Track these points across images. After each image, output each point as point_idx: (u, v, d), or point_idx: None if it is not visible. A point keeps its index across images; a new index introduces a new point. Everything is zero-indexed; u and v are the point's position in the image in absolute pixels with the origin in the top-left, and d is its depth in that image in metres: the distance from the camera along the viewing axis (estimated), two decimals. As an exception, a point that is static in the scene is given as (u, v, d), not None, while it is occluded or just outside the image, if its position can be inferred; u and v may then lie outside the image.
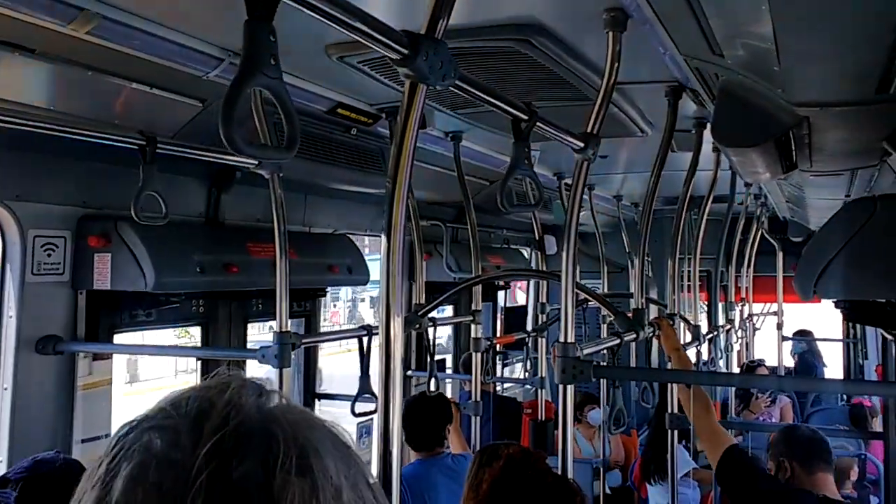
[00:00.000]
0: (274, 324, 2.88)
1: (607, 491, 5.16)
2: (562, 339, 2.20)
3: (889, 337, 3.75)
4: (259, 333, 4.48)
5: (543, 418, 5.11)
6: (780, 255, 7.68)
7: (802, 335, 8.62)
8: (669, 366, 3.37)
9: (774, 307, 8.27)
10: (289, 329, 2.82)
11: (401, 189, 1.39)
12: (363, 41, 1.17)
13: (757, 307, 8.55)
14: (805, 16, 1.52)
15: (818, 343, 8.84)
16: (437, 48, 1.28)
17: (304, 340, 2.99)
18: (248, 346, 4.03)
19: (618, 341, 2.71)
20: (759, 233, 7.03)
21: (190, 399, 0.65)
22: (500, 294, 7.52)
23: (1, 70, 2.33)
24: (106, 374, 3.24)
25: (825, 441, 3.28)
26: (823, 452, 3.24)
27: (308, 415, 0.68)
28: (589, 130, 2.22)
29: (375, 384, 2.93)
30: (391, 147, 1.38)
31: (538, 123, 1.90)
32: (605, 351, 2.77)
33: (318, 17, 1.06)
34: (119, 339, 3.32)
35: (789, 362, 8.48)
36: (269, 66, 0.94)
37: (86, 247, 3.03)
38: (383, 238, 1.38)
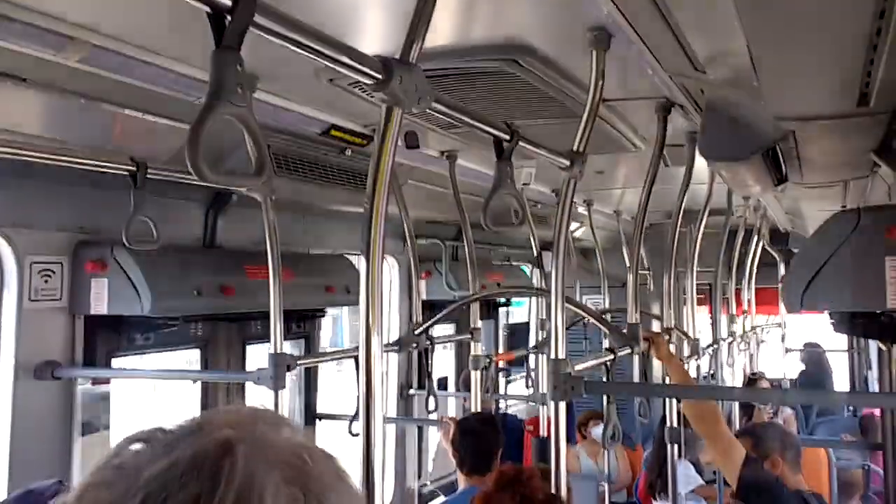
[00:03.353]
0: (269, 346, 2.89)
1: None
2: (552, 356, 2.21)
3: (884, 347, 3.74)
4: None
5: (546, 435, 5.09)
6: (781, 267, 7.66)
7: (811, 346, 8.56)
8: (668, 380, 3.37)
9: (778, 318, 8.25)
10: (283, 351, 2.82)
11: (378, 209, 1.41)
12: (336, 68, 1.19)
13: (760, 319, 8.52)
14: (778, 32, 1.54)
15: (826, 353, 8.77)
16: (410, 72, 1.30)
17: (299, 362, 3.00)
18: (249, 367, 4.05)
19: (612, 357, 2.71)
20: (760, 244, 7.02)
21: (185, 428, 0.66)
22: (502, 311, 7.52)
23: (-7, 100, 2.36)
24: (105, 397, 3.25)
25: (800, 445, 3.38)
26: (800, 456, 3.33)
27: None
28: (576, 148, 2.23)
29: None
30: (369, 168, 1.40)
31: (523, 143, 1.92)
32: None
33: (289, 46, 1.08)
34: (117, 363, 3.34)
35: (795, 374, 8.43)
36: (235, 95, 0.96)
37: (82, 272, 3.06)
38: (362, 260, 1.40)
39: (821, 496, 3.17)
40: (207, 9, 0.93)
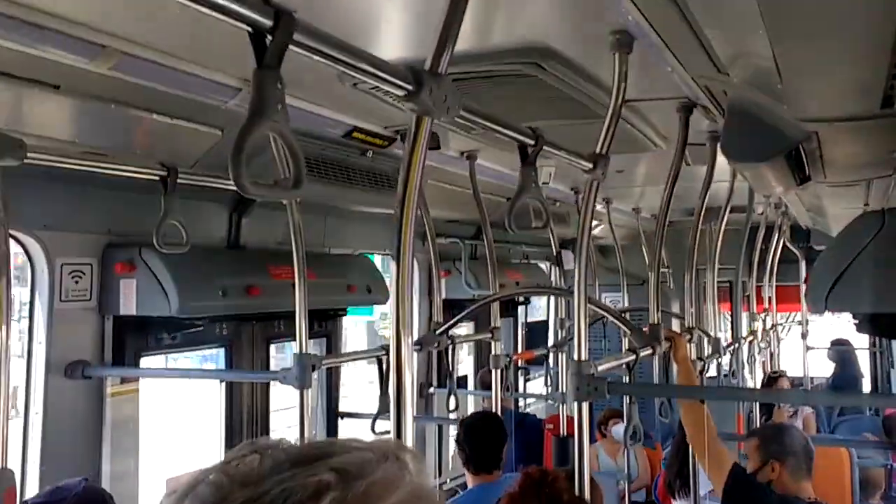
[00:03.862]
0: (294, 345, 2.93)
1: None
2: (575, 357, 2.23)
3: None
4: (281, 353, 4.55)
5: (566, 434, 5.11)
6: (802, 264, 7.62)
7: (839, 344, 8.44)
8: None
9: (799, 316, 8.19)
10: (308, 350, 2.86)
11: (409, 214, 1.44)
12: (367, 80, 1.22)
13: (781, 317, 8.46)
14: (802, 34, 1.55)
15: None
16: (440, 82, 1.32)
17: (324, 362, 3.04)
18: (272, 365, 4.10)
19: (633, 357, 2.72)
20: (781, 242, 6.99)
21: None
22: (521, 309, 7.53)
23: (27, 106, 2.42)
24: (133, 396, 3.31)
25: (812, 449, 3.25)
26: (809, 462, 3.22)
27: None
28: (598, 151, 2.25)
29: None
30: (399, 175, 1.43)
31: (546, 147, 1.94)
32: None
33: (324, 61, 1.11)
34: (145, 363, 3.40)
35: (817, 371, 8.35)
36: (276, 113, 0.99)
37: (112, 273, 3.12)
38: (392, 263, 1.42)
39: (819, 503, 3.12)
40: (249, 29, 0.96)
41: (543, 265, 7.27)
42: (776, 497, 3.08)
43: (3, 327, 1.84)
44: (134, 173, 2.53)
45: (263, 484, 0.60)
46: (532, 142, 1.85)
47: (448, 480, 5.63)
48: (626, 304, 6.42)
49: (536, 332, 7.64)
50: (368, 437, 3.47)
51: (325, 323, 4.42)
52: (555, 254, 5.16)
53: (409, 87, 1.28)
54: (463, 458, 3.53)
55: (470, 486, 3.57)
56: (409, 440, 1.45)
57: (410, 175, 1.38)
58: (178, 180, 2.58)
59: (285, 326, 3.95)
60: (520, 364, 6.55)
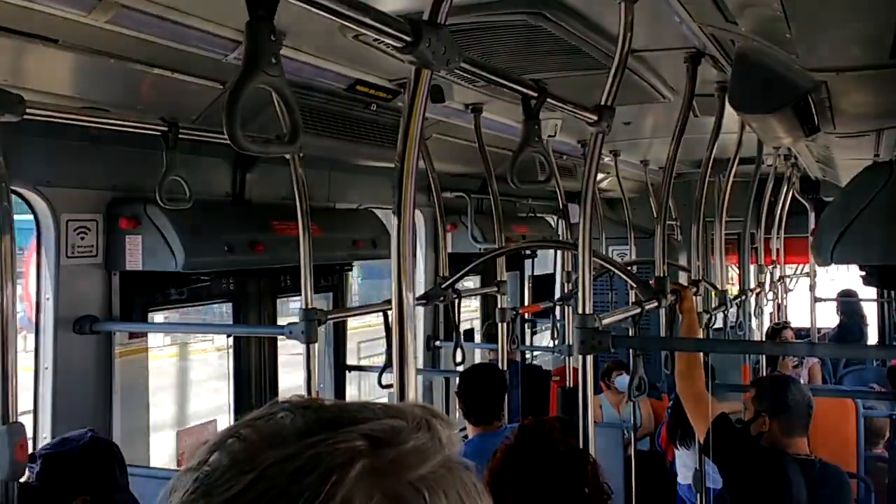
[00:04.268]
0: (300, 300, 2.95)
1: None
2: (579, 311, 2.23)
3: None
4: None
5: (571, 385, 5.15)
6: (811, 216, 7.56)
7: (847, 296, 8.42)
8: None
9: (807, 268, 8.17)
10: (314, 305, 2.88)
11: (410, 168, 1.42)
12: (365, 31, 1.20)
13: (790, 269, 8.44)
14: (812, -17, 1.51)
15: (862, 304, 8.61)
16: (439, 34, 1.30)
17: (329, 316, 3.05)
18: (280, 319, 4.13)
19: (639, 310, 2.72)
20: (790, 193, 6.92)
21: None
22: (527, 262, 7.53)
23: (26, 61, 2.39)
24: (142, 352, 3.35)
25: (810, 405, 3.19)
26: (806, 418, 3.16)
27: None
28: (603, 102, 2.22)
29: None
30: (399, 128, 1.41)
31: (551, 100, 1.91)
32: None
33: (319, 12, 1.09)
34: (152, 317, 3.43)
35: (825, 322, 8.35)
36: (270, 65, 0.97)
37: (117, 229, 3.12)
38: (393, 217, 1.42)
39: (815, 460, 3.10)
40: (240, -22, 0.94)
41: (550, 219, 7.25)
42: (762, 450, 3.08)
43: (10, 284, 1.85)
44: (135, 128, 2.51)
45: (293, 446, 0.59)
46: (535, 94, 1.83)
47: (456, 431, 5.71)
48: (634, 257, 6.41)
49: (542, 285, 7.66)
50: (378, 391, 3.53)
51: (331, 277, 4.43)
52: (561, 207, 5.13)
53: (408, 39, 1.26)
54: (464, 409, 3.60)
55: (470, 436, 3.63)
56: (412, 393, 1.46)
57: (411, 128, 1.36)
58: (180, 135, 2.56)
59: (292, 281, 3.97)
60: (526, 317, 6.57)
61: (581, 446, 2.21)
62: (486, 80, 1.68)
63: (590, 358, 2.30)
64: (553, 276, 7.90)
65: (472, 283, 6.06)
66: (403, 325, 1.44)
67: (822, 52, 1.97)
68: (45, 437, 2.97)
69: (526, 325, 6.92)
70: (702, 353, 3.18)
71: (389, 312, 3.35)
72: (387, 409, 0.66)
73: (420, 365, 5.37)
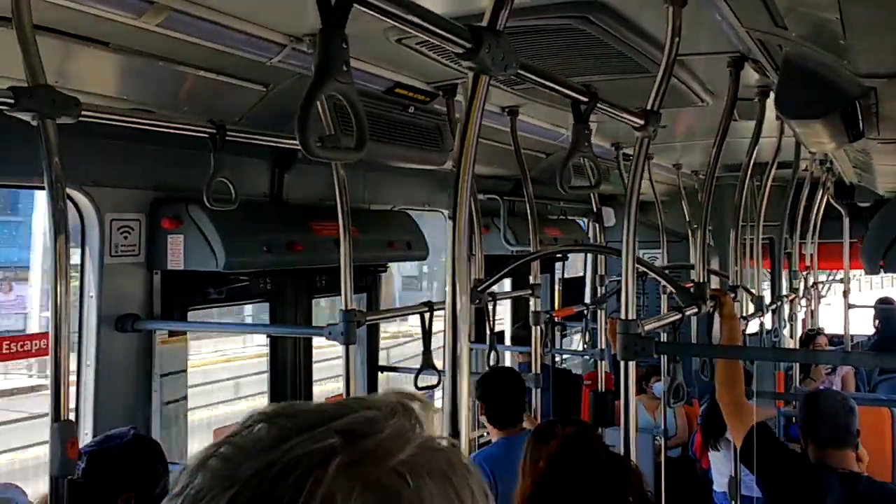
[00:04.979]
0: (339, 300, 2.96)
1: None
2: (623, 317, 2.22)
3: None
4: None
5: (603, 389, 5.12)
6: (846, 221, 7.45)
7: (885, 303, 8.27)
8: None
9: (840, 274, 8.05)
10: (354, 307, 2.89)
11: (466, 172, 1.43)
12: (426, 37, 1.20)
13: (823, 275, 8.32)
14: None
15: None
16: (498, 40, 1.30)
17: (368, 317, 3.07)
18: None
19: (679, 316, 2.71)
20: (825, 198, 6.83)
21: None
22: (558, 265, 7.51)
23: (78, 63, 2.44)
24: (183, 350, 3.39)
25: (849, 422, 3.04)
26: (841, 432, 3.02)
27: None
28: (650, 107, 2.21)
29: (438, 359, 2.98)
30: (455, 132, 1.43)
31: (600, 105, 1.91)
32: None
33: (385, 19, 1.10)
34: (192, 316, 3.47)
35: (860, 330, 8.21)
36: (341, 73, 0.98)
37: (159, 229, 3.16)
38: (448, 220, 1.42)
39: (860, 476, 3.02)
40: (315, -13, 0.95)
41: (581, 220, 7.22)
42: (803, 462, 3.03)
43: (63, 283, 1.88)
44: (184, 130, 2.55)
45: (271, 454, 0.60)
46: (586, 99, 1.82)
47: (485, 433, 5.71)
48: (665, 262, 6.36)
49: (572, 288, 7.63)
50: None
51: (365, 279, 4.45)
52: (595, 210, 5.11)
53: (468, 45, 1.26)
54: (487, 414, 3.60)
55: (494, 439, 3.63)
56: (465, 396, 1.46)
57: (468, 133, 1.37)
58: (227, 137, 2.59)
59: (327, 282, 3.99)
60: (556, 320, 6.55)
61: (623, 453, 2.20)
62: (538, 84, 1.68)
63: (632, 364, 2.28)
64: (582, 279, 7.86)
65: (497, 286, 6.04)
66: (457, 327, 1.45)
67: (876, 57, 1.95)
68: (87, 434, 3.01)
69: (556, 328, 6.90)
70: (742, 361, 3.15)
71: (426, 314, 3.39)
72: (362, 402, 0.66)
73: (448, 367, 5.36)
